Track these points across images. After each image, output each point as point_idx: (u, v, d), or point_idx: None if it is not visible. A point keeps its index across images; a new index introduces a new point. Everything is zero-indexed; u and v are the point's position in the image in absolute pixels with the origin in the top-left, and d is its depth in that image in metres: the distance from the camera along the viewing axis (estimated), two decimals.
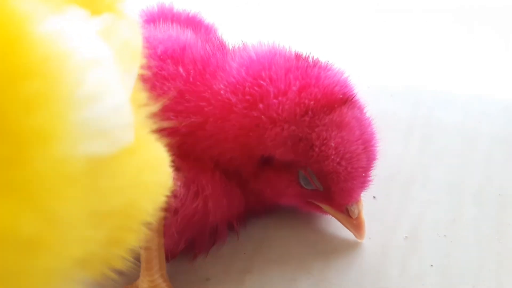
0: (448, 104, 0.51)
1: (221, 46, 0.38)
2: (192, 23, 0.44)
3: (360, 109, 0.36)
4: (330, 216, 0.39)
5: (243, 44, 0.37)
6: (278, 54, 0.36)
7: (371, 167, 0.36)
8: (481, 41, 0.62)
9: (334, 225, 0.40)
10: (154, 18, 0.43)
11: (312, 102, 0.33)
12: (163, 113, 0.34)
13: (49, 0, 0.19)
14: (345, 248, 0.38)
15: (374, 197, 0.41)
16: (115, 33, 0.23)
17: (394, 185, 0.42)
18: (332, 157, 0.33)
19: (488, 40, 0.62)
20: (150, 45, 0.36)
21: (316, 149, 0.33)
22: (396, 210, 0.41)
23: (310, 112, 0.33)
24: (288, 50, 0.37)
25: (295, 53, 0.36)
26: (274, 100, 0.33)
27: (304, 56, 0.36)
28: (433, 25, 0.66)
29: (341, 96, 0.34)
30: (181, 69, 0.35)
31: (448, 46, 0.62)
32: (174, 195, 0.33)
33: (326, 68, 0.36)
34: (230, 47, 0.38)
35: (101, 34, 0.21)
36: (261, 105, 0.33)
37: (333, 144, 0.33)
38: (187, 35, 0.37)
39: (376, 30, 0.66)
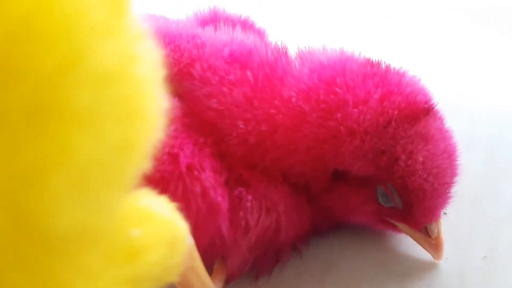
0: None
1: (284, 50, 0.35)
2: (244, 27, 0.41)
3: (441, 120, 0.33)
4: (401, 234, 0.36)
5: (308, 49, 0.34)
6: (350, 59, 0.33)
7: (454, 183, 0.33)
8: None
9: (405, 244, 0.37)
10: (207, 21, 0.40)
11: (396, 112, 0.31)
12: (232, 121, 0.32)
13: None
14: (420, 269, 0.35)
15: (445, 213, 0.38)
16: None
17: (464, 202, 0.39)
18: (420, 172, 0.30)
19: None
20: (215, 47, 0.33)
21: (402, 164, 0.30)
22: (469, 228, 0.38)
23: (393, 123, 0.30)
24: (358, 55, 0.34)
25: (366, 59, 0.34)
26: (354, 110, 0.30)
27: (376, 61, 0.33)
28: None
29: (425, 105, 0.32)
30: (249, 74, 0.32)
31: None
32: (245, 210, 0.31)
33: (404, 74, 0.33)
34: (291, 52, 0.36)
35: None
36: (339, 115, 0.30)
37: (420, 158, 0.30)
38: (251, 38, 0.35)
39: (391, 36, 0.64)
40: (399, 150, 0.30)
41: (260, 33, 0.42)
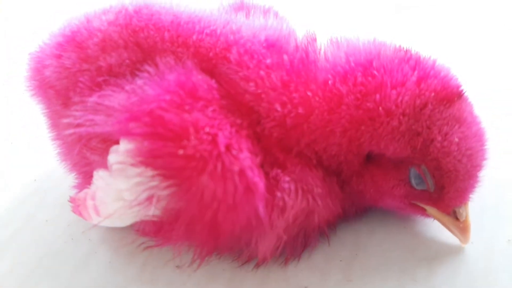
0: None
1: (314, 36, 0.35)
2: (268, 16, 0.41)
3: (471, 105, 0.33)
4: (427, 219, 0.37)
5: (341, 36, 0.35)
6: (384, 45, 0.34)
7: (484, 166, 0.33)
8: None
9: (432, 229, 0.37)
10: (235, 10, 0.40)
11: (432, 94, 0.31)
12: (269, 104, 0.32)
13: None
14: (447, 254, 0.36)
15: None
16: None
17: (487, 187, 0.39)
18: (454, 153, 0.31)
19: None
20: (251, 32, 0.34)
21: (438, 145, 0.31)
22: (493, 213, 0.39)
23: (430, 105, 0.31)
24: (390, 43, 0.34)
25: (398, 46, 0.34)
26: (393, 91, 0.31)
27: (407, 48, 0.34)
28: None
29: (458, 89, 0.32)
30: (285, 58, 0.33)
31: None
32: (282, 191, 0.31)
33: (435, 60, 0.33)
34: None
35: None
36: (377, 96, 0.31)
37: (456, 140, 0.31)
38: (283, 23, 0.35)
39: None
40: (435, 131, 0.31)
41: (285, 22, 0.42)
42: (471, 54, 0.63)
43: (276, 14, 0.42)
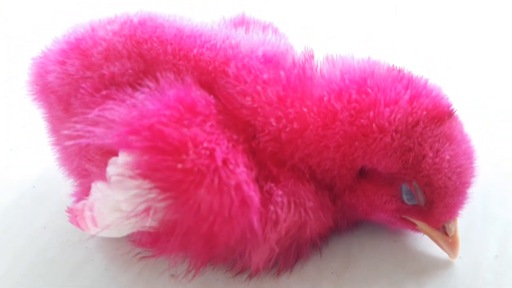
0: None
1: (311, 53, 0.36)
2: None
3: (461, 124, 0.34)
4: (417, 233, 0.38)
5: (337, 54, 0.36)
6: (378, 64, 0.35)
7: (472, 183, 0.34)
8: None
9: (421, 243, 0.38)
10: (236, 25, 0.41)
11: (424, 113, 0.32)
12: (264, 119, 0.33)
13: None
14: (436, 268, 0.36)
15: None
16: None
17: (475, 203, 0.40)
18: (445, 170, 0.32)
19: None
20: (249, 48, 0.35)
21: (429, 161, 0.32)
22: (481, 229, 0.39)
23: (421, 123, 0.32)
24: (383, 62, 0.35)
25: (391, 65, 0.35)
26: (386, 109, 0.32)
27: (399, 67, 0.35)
28: None
29: (449, 108, 0.33)
30: (282, 74, 0.33)
31: None
32: (275, 204, 0.31)
33: (426, 80, 0.35)
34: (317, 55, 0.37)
35: None
36: (371, 113, 0.32)
37: (447, 157, 0.32)
38: (283, 41, 0.36)
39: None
40: (426, 148, 0.32)
41: (284, 38, 0.43)
42: (466, 61, 0.65)
43: (275, 30, 0.43)
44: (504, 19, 0.73)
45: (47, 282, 0.36)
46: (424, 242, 0.38)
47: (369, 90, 0.32)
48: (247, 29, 0.38)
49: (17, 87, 0.44)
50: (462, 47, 0.68)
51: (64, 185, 0.42)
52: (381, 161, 0.33)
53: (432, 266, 0.37)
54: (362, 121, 0.32)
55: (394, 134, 0.32)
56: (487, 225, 0.40)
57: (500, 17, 0.73)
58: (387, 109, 0.32)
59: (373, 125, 0.32)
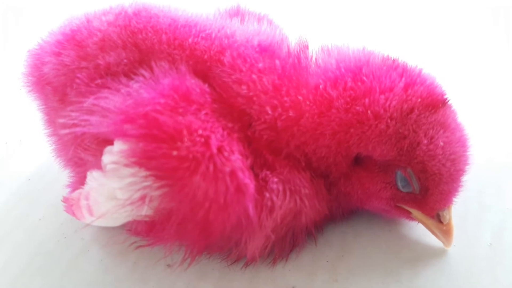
0: None
1: (306, 43, 0.36)
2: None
3: (455, 112, 0.35)
4: (411, 222, 0.38)
5: (332, 44, 0.36)
6: (372, 54, 0.35)
7: (466, 171, 0.35)
8: None
9: (416, 232, 0.38)
10: (231, 16, 0.41)
11: (418, 100, 0.32)
12: (260, 107, 0.33)
13: None
14: (431, 256, 0.37)
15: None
16: None
17: (469, 193, 0.40)
18: (439, 157, 0.32)
19: None
20: (244, 37, 0.35)
21: (424, 147, 0.32)
22: (475, 218, 0.40)
23: (416, 110, 0.32)
24: (378, 51, 0.36)
25: (385, 54, 0.35)
26: (381, 96, 0.32)
27: (393, 57, 0.35)
28: None
29: (443, 97, 0.33)
30: (277, 63, 0.34)
31: None
32: (270, 192, 0.32)
33: (420, 69, 0.35)
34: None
35: None
36: (366, 100, 0.32)
37: (441, 143, 0.32)
38: (278, 31, 0.36)
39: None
40: (421, 135, 0.32)
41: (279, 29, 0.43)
42: (461, 54, 0.65)
43: (270, 22, 0.43)
44: (499, 17, 0.73)
45: (45, 274, 0.36)
46: (419, 231, 0.38)
47: (364, 78, 0.33)
48: (242, 20, 0.38)
49: (12, 80, 0.44)
50: (457, 41, 0.68)
51: (59, 177, 0.42)
52: (376, 148, 0.33)
53: (427, 255, 0.37)
54: (358, 108, 0.32)
55: (389, 121, 0.32)
56: (481, 214, 0.40)
57: (494, 16, 0.73)
58: (382, 96, 0.32)
59: (369, 112, 0.32)
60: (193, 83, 0.32)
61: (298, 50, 0.35)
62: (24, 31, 0.78)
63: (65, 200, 0.37)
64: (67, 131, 0.32)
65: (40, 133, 0.41)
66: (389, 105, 0.32)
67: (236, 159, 0.30)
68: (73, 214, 0.36)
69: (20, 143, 0.52)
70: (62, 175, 0.41)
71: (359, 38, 0.65)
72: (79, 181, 0.37)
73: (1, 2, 0.85)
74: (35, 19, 0.80)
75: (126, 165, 0.30)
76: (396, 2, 0.76)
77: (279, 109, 0.33)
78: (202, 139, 0.30)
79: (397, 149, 0.32)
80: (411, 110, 0.32)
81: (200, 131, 0.30)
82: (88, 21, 0.37)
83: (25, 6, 0.84)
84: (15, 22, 0.81)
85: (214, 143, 0.30)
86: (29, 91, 0.39)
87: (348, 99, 0.32)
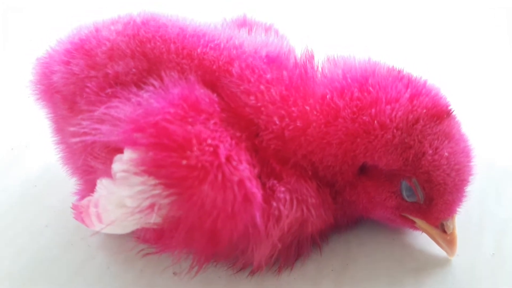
0: None
1: (311, 54, 0.37)
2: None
3: (459, 123, 0.35)
4: (415, 231, 0.38)
5: (338, 55, 0.37)
6: (378, 64, 0.35)
7: (470, 181, 0.35)
8: None
9: (419, 241, 0.39)
10: (238, 26, 0.42)
11: (424, 111, 0.33)
12: (268, 117, 0.33)
13: None
14: (435, 265, 0.37)
15: None
16: None
17: (472, 202, 0.41)
18: (444, 167, 0.33)
19: None
20: (252, 48, 0.35)
21: (429, 158, 0.33)
22: (477, 227, 0.40)
23: (421, 121, 0.33)
24: (383, 62, 0.36)
25: (391, 65, 0.36)
26: (387, 106, 0.33)
27: (398, 68, 0.36)
28: None
29: (448, 107, 0.34)
30: (285, 74, 0.34)
31: None
32: (278, 201, 0.32)
33: (425, 80, 0.35)
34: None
35: None
36: (373, 111, 0.33)
37: (446, 154, 0.33)
38: (285, 42, 0.37)
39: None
40: (426, 145, 0.32)
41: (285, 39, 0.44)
42: (463, 61, 0.66)
43: (276, 32, 0.44)
44: (499, 21, 0.74)
45: (50, 281, 0.37)
46: (423, 240, 0.38)
47: (370, 88, 0.33)
48: (249, 30, 0.38)
49: (18, 86, 0.44)
50: (459, 47, 0.69)
51: (65, 184, 0.43)
52: (382, 157, 0.33)
53: (431, 264, 0.37)
54: (364, 118, 0.33)
55: (395, 131, 0.33)
56: (484, 224, 0.41)
57: (494, 19, 0.74)
58: (388, 107, 0.33)
59: (375, 122, 0.32)
60: (202, 93, 0.33)
61: (305, 61, 0.36)
62: (24, 31, 0.79)
63: (74, 207, 0.38)
64: (77, 139, 0.32)
65: (47, 138, 0.42)
66: (395, 116, 0.32)
67: (244, 169, 0.31)
68: (82, 221, 0.37)
69: (26, 149, 0.52)
70: (68, 182, 0.41)
71: (363, 44, 0.66)
72: (88, 189, 0.37)
73: (1, 2, 0.85)
74: (35, 19, 0.80)
75: (136, 174, 0.30)
76: (398, 5, 0.77)
77: (287, 119, 0.33)
78: (211, 148, 0.30)
79: (403, 159, 0.33)
80: (417, 121, 0.33)
81: (209, 141, 0.30)
82: (96, 30, 0.38)
83: (25, 6, 0.84)
84: (15, 22, 0.81)
85: (222, 152, 0.30)
86: (38, 99, 0.40)
87: (355, 109, 0.33)
